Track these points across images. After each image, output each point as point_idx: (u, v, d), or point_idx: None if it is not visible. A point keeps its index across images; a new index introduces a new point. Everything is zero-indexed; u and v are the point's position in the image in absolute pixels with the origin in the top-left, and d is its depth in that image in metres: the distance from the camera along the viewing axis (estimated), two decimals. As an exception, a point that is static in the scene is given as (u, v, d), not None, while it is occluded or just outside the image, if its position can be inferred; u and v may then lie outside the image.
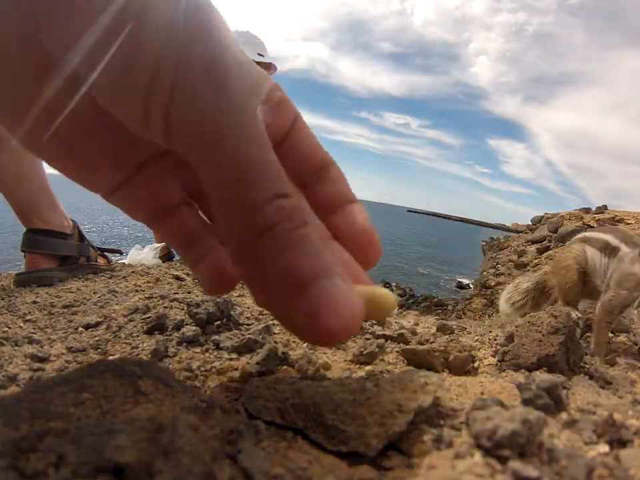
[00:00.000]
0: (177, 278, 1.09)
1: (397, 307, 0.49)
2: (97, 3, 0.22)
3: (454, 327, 0.74)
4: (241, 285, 1.13)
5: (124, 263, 1.53)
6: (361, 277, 0.31)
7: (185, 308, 0.71)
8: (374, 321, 0.74)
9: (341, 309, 0.23)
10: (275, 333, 0.61)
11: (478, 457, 0.24)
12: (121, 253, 1.65)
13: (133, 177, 0.32)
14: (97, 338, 0.59)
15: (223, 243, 0.34)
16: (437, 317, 1.04)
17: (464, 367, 0.49)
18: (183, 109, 0.24)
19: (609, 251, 0.76)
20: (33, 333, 0.63)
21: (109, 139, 0.30)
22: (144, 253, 1.90)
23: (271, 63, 2.11)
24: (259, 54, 2.02)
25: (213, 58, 0.24)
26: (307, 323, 0.23)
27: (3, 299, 0.86)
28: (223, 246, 0.34)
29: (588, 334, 0.71)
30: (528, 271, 2.99)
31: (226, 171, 0.24)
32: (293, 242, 0.24)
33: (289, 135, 0.32)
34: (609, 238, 0.75)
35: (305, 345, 0.57)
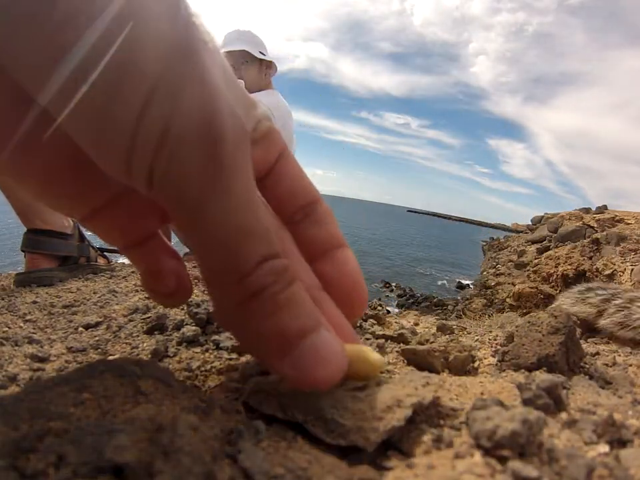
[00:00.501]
0: (177, 278, 1.09)
1: (384, 369, 0.47)
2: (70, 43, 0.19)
3: (454, 327, 0.74)
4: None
5: (124, 263, 1.53)
6: (346, 330, 0.31)
7: (185, 308, 0.71)
8: (374, 321, 0.75)
9: (326, 362, 0.25)
10: (274, 333, 0.61)
11: (478, 457, 0.24)
12: (121, 253, 1.65)
13: (108, 207, 0.30)
14: (97, 338, 0.59)
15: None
16: (437, 317, 1.04)
17: (464, 366, 0.49)
18: (168, 171, 0.22)
19: None
20: (33, 333, 0.63)
21: (84, 169, 0.27)
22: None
23: (271, 63, 2.11)
24: (260, 52, 2.03)
25: (204, 113, 0.22)
26: (294, 376, 0.25)
27: (3, 299, 0.86)
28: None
29: (588, 334, 0.71)
30: (528, 270, 2.99)
31: (211, 238, 0.23)
32: (280, 304, 0.24)
33: (275, 167, 0.31)
34: None
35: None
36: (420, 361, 0.49)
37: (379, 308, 0.81)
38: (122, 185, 0.25)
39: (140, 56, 0.20)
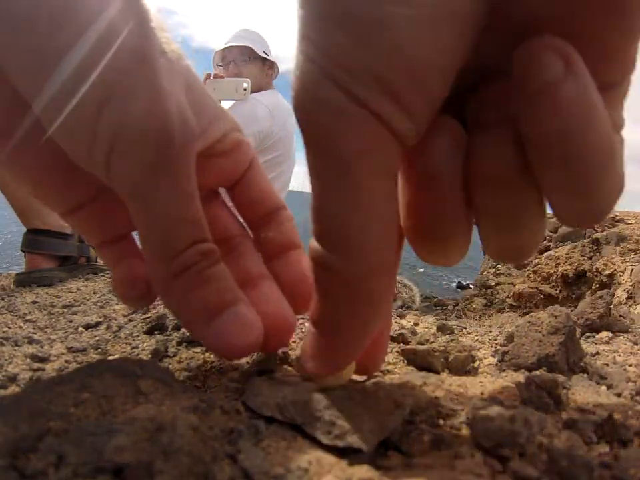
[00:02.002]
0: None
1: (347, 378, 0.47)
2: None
3: (454, 327, 0.74)
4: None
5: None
6: (282, 311, 0.34)
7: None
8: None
9: (243, 331, 0.28)
10: (274, 333, 0.61)
11: (478, 457, 0.24)
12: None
13: (88, 203, 0.33)
14: (97, 338, 0.59)
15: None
16: (437, 317, 1.04)
17: (464, 366, 0.49)
18: (120, 167, 0.26)
19: None
20: (33, 333, 0.63)
21: (67, 164, 0.29)
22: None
23: (274, 63, 2.12)
24: (264, 52, 2.04)
25: (153, 116, 0.25)
26: (214, 343, 0.29)
27: (3, 299, 0.86)
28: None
29: (588, 334, 0.71)
30: (528, 270, 2.99)
31: (154, 223, 0.27)
32: (205, 279, 0.27)
33: (244, 177, 0.34)
34: None
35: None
36: (420, 361, 0.49)
37: (379, 308, 0.81)
38: (101, 182, 0.28)
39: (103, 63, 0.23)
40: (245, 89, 1.81)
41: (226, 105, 2.02)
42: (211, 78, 1.86)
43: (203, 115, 0.30)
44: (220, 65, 2.08)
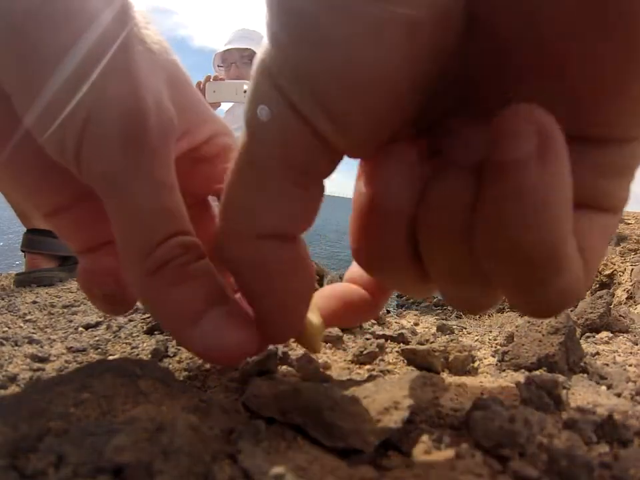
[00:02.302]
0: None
1: (322, 334, 0.46)
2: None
3: (454, 327, 0.74)
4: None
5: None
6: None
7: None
8: (373, 321, 0.74)
9: (235, 331, 0.25)
10: (274, 333, 0.61)
11: (478, 456, 0.24)
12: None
13: (70, 206, 0.31)
14: (97, 338, 0.59)
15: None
16: (437, 317, 1.04)
17: (464, 366, 0.49)
18: (91, 156, 0.23)
19: None
20: (33, 333, 0.63)
21: (48, 165, 0.27)
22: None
23: None
24: None
25: (127, 103, 0.23)
26: (204, 347, 0.26)
27: (3, 299, 0.86)
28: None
29: (588, 334, 0.71)
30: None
31: (131, 217, 0.24)
32: (189, 274, 0.25)
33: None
34: None
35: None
36: (420, 361, 0.49)
37: (379, 308, 0.81)
38: (85, 185, 0.26)
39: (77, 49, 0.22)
40: (244, 91, 1.81)
41: (226, 107, 2.02)
42: (211, 80, 1.86)
43: (189, 114, 0.28)
44: (221, 67, 2.07)
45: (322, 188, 0.22)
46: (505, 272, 0.18)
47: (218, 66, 2.07)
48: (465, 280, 0.21)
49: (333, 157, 0.20)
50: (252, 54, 1.98)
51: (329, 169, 0.21)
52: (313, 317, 0.32)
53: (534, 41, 0.17)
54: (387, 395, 0.29)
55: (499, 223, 0.16)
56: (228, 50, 1.99)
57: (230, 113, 1.93)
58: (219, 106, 2.11)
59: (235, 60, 2.00)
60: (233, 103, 1.90)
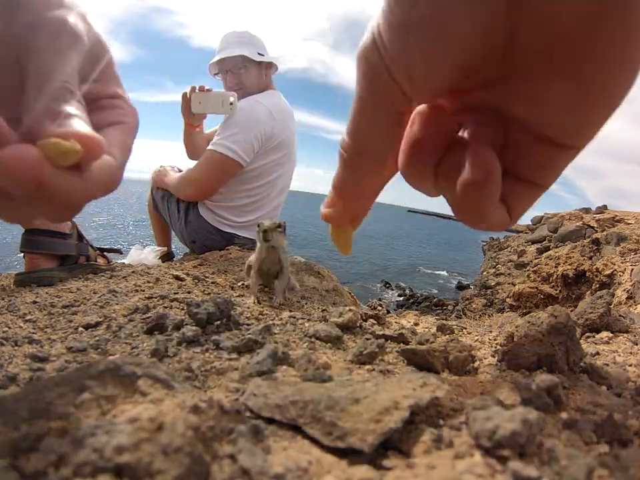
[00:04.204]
0: (177, 278, 1.09)
1: (78, 152, 0.48)
2: None
3: (454, 327, 0.74)
4: (240, 285, 1.13)
5: (124, 263, 1.53)
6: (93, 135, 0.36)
7: (185, 308, 0.71)
8: (373, 321, 0.74)
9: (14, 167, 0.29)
10: (275, 333, 0.61)
11: (478, 456, 0.24)
12: (121, 253, 1.65)
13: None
14: (97, 338, 0.59)
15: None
16: (437, 317, 1.04)
17: (464, 366, 0.49)
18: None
19: None
20: (33, 333, 0.63)
21: None
22: (144, 254, 1.90)
23: (271, 63, 2.10)
24: (259, 53, 2.02)
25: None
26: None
27: (3, 299, 0.86)
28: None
29: (588, 334, 0.71)
30: (528, 270, 2.99)
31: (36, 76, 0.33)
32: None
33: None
34: None
35: (304, 345, 0.57)
36: (420, 361, 0.49)
37: (379, 308, 0.81)
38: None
39: None
40: (231, 103, 1.79)
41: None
42: (197, 91, 1.84)
43: (108, 80, 0.40)
44: (217, 75, 2.07)
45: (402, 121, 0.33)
46: (460, 212, 0.34)
47: (214, 74, 2.07)
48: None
49: (406, 103, 0.30)
50: (245, 59, 1.97)
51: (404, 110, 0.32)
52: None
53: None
54: (386, 395, 0.29)
55: (461, 192, 0.31)
56: (221, 59, 1.98)
57: (232, 115, 1.92)
58: (205, 117, 2.10)
59: (229, 68, 1.99)
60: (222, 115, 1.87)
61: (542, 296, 2.61)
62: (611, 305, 0.76)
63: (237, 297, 0.98)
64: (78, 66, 0.36)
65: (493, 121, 0.33)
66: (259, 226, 1.00)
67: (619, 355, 0.57)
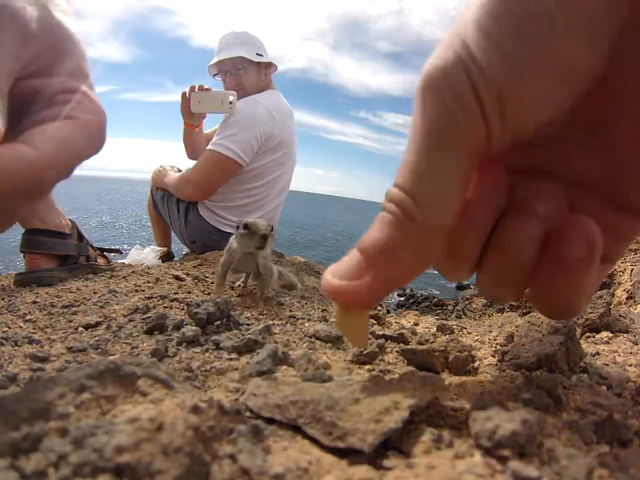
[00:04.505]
0: (177, 278, 1.09)
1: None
2: None
3: (454, 327, 0.74)
4: (240, 286, 1.13)
5: (124, 263, 1.53)
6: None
7: (185, 308, 0.71)
8: (373, 321, 0.74)
9: None
10: (274, 333, 0.61)
11: (478, 457, 0.24)
12: (121, 253, 1.65)
13: None
14: (97, 338, 0.59)
15: None
16: (437, 317, 1.04)
17: (464, 366, 0.49)
18: None
19: None
20: (33, 333, 0.63)
21: None
22: (144, 254, 1.90)
23: (270, 62, 2.10)
24: (257, 54, 2.02)
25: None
26: None
27: (3, 299, 0.86)
28: None
29: (588, 334, 0.71)
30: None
31: None
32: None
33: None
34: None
35: (304, 345, 0.57)
36: (420, 361, 0.49)
37: (379, 308, 0.81)
38: None
39: None
40: (230, 102, 1.79)
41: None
42: (196, 90, 1.84)
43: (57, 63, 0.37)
44: (217, 76, 2.07)
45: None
46: (539, 305, 0.29)
47: (214, 75, 2.07)
48: (504, 286, 0.29)
49: (483, 148, 0.25)
50: (243, 60, 1.97)
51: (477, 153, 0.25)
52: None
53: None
54: (386, 394, 0.29)
55: (548, 285, 0.27)
56: (220, 61, 1.98)
57: (232, 115, 1.92)
58: (205, 117, 2.10)
59: (228, 69, 2.00)
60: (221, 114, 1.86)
61: (542, 296, 2.61)
62: (610, 305, 0.76)
63: (237, 297, 0.98)
64: (12, 52, 0.34)
65: (554, 188, 0.27)
66: (247, 226, 0.84)
67: (619, 355, 0.57)
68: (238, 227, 0.87)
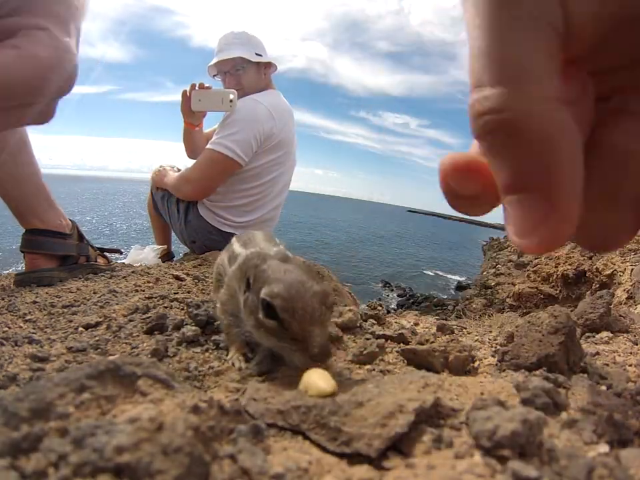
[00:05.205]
0: (177, 278, 1.09)
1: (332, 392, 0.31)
2: None
3: (454, 327, 0.74)
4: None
5: (124, 263, 1.53)
6: None
7: (185, 308, 0.71)
8: (373, 321, 0.74)
9: None
10: (274, 333, 0.61)
11: (478, 457, 0.24)
12: (121, 253, 1.65)
13: None
14: (96, 338, 0.59)
15: None
16: (437, 317, 1.04)
17: (464, 366, 0.49)
18: None
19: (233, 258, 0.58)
20: (33, 333, 0.63)
21: None
22: (144, 253, 1.90)
23: (270, 62, 2.10)
24: (257, 54, 2.01)
25: None
26: None
27: (3, 299, 0.86)
28: None
29: (588, 334, 0.71)
30: (528, 270, 2.99)
31: None
32: None
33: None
34: (235, 246, 0.58)
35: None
36: (420, 361, 0.49)
37: (379, 308, 0.81)
38: None
39: None
40: (231, 100, 1.79)
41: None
42: (196, 88, 1.85)
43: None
44: (216, 76, 2.07)
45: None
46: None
47: (214, 76, 2.07)
48: (620, 210, 0.26)
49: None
50: (243, 61, 1.97)
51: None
52: (323, 383, 0.32)
53: None
54: (390, 398, 0.29)
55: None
56: (220, 61, 1.99)
57: (232, 115, 1.92)
58: (205, 116, 2.11)
59: (228, 69, 2.00)
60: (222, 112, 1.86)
61: (542, 296, 2.61)
62: (610, 305, 0.76)
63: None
64: None
65: None
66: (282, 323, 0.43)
67: (619, 355, 0.57)
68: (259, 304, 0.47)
